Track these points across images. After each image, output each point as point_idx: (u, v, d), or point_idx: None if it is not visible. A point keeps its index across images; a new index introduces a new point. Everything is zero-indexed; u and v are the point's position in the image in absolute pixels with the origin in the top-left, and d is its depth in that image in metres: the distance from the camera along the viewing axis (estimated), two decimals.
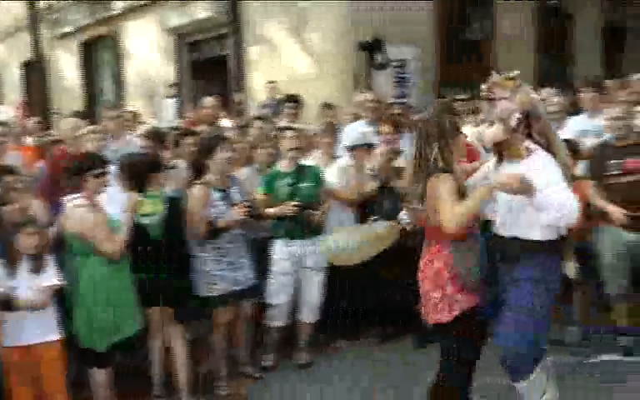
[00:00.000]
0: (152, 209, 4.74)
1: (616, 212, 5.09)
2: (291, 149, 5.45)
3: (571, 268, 4.01)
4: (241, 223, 5.07)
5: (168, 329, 4.91)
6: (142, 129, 6.90)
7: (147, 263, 4.70)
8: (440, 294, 3.70)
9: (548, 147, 3.61)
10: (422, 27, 9.71)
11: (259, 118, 7.14)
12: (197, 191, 5.00)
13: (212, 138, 5.37)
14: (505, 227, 3.74)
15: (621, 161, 5.20)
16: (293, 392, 5.17)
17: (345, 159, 5.99)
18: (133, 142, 6.72)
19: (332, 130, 6.09)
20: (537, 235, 3.59)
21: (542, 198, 3.37)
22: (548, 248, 3.61)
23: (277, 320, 5.52)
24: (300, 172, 5.47)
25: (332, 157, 5.97)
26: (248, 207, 5.05)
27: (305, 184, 5.42)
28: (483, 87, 3.71)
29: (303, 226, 5.36)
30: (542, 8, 11.89)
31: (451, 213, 3.50)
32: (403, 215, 4.27)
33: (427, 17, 9.86)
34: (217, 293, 4.99)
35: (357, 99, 7.02)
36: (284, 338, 5.70)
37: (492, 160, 3.87)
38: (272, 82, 9.48)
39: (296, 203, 5.30)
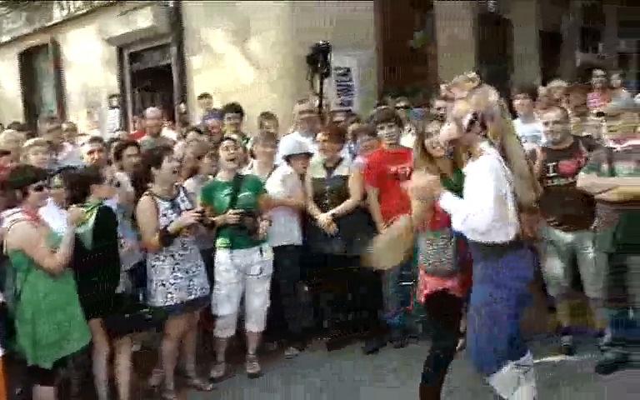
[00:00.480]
0: (85, 218, 4.67)
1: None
2: (229, 160, 5.48)
3: None
4: (193, 231, 5.07)
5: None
6: (86, 138, 6.81)
7: (81, 273, 4.64)
8: (420, 276, 4.19)
9: (502, 151, 3.66)
10: (365, 35, 9.81)
11: (194, 129, 7.12)
12: (144, 202, 5.03)
13: (158, 148, 5.37)
14: None
15: (556, 163, 5.35)
16: None
17: (285, 167, 6.03)
18: (75, 154, 6.64)
19: (271, 139, 6.08)
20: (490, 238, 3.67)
21: (444, 203, 3.71)
22: (494, 250, 3.66)
23: (224, 331, 5.52)
24: (239, 181, 5.50)
25: (271, 167, 5.96)
26: (200, 213, 5.06)
27: (244, 194, 5.45)
28: (443, 87, 3.85)
29: (246, 234, 5.37)
30: (482, 14, 12.12)
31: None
32: None
33: (370, 24, 9.95)
34: (173, 302, 5.00)
35: (294, 109, 7.04)
36: (235, 347, 5.71)
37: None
38: (205, 95, 9.41)
39: (237, 211, 5.31)
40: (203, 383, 5.39)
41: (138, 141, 7.02)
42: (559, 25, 14.22)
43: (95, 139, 6.30)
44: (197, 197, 5.51)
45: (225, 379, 5.53)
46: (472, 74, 3.73)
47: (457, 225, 3.69)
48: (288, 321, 6.05)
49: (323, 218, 5.80)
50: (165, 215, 5.02)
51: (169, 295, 4.99)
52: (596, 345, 5.43)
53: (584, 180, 5.05)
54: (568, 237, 5.35)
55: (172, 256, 5.02)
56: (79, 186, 4.82)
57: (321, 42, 8.71)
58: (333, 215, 5.78)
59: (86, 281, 4.63)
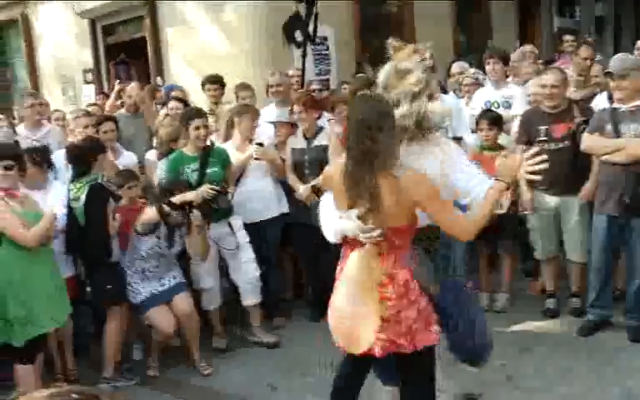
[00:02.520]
0: (78, 194, 4.79)
1: (526, 198, 5.34)
2: (198, 137, 5.34)
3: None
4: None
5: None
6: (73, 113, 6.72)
7: (77, 247, 4.84)
8: (416, 313, 3.10)
9: None
10: (341, 4, 9.69)
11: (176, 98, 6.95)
12: None
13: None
14: None
15: (547, 127, 5.31)
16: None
17: (263, 138, 5.96)
18: (54, 132, 6.54)
19: (252, 111, 5.99)
20: None
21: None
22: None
23: (210, 303, 5.53)
24: (206, 155, 5.37)
25: (250, 139, 5.86)
26: (216, 189, 5.10)
27: (212, 169, 5.36)
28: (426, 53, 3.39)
29: (216, 209, 5.29)
30: None
31: (466, 221, 3.12)
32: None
33: None
34: (142, 297, 5.00)
35: (269, 80, 6.96)
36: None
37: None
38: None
39: (213, 187, 5.20)
40: (204, 368, 5.24)
41: (116, 114, 6.94)
42: None
43: (87, 114, 6.25)
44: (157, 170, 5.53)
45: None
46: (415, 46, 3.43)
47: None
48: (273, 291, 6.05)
49: (303, 190, 5.75)
50: None
51: (138, 296, 5.01)
52: (573, 308, 5.53)
53: (589, 141, 4.98)
54: (554, 200, 5.36)
55: (143, 271, 5.02)
56: (87, 157, 4.94)
57: (299, 11, 8.49)
58: (313, 186, 5.74)
59: (80, 254, 4.89)
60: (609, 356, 4.79)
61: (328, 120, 6.32)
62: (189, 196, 4.97)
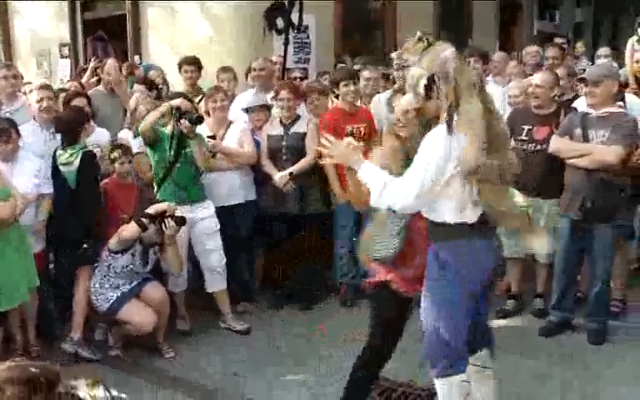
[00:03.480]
0: (71, 159, 4.92)
1: None
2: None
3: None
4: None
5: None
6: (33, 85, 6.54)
7: (66, 208, 4.96)
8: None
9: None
10: None
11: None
12: None
13: None
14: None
15: (531, 127, 5.32)
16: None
17: (240, 123, 5.92)
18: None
19: (220, 93, 5.92)
20: (440, 216, 3.21)
21: (363, 173, 3.23)
22: (458, 233, 3.18)
23: (178, 287, 5.49)
24: (183, 135, 5.28)
25: (226, 123, 5.86)
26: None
27: (189, 150, 5.31)
28: (394, 55, 3.34)
29: (192, 190, 5.33)
30: None
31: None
32: None
33: None
34: (114, 299, 4.93)
35: (252, 64, 6.90)
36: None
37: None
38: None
39: (187, 126, 5.16)
40: (166, 350, 5.21)
41: (89, 92, 6.82)
42: None
43: (44, 86, 6.06)
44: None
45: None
46: (421, 32, 3.22)
47: (373, 199, 3.21)
48: (240, 278, 6.03)
49: (280, 177, 5.72)
50: None
51: (108, 302, 4.93)
52: (536, 308, 5.61)
53: (558, 143, 5.02)
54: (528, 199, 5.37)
55: (117, 287, 4.97)
56: (74, 127, 5.06)
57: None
58: (291, 174, 5.71)
59: (71, 214, 4.94)
60: (571, 358, 4.85)
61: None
62: (163, 206, 4.99)
